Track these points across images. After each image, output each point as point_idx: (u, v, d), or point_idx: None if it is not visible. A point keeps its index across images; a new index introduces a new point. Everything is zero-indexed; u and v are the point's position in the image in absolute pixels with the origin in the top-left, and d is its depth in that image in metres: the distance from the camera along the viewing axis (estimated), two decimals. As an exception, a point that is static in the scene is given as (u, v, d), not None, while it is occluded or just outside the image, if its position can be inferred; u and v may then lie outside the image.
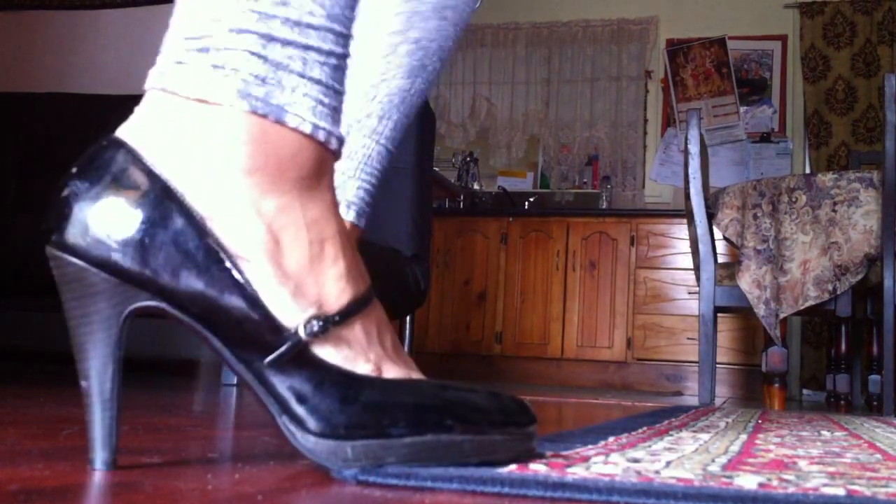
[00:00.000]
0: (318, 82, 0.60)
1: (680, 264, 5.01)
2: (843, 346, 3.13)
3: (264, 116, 0.57)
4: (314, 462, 0.59)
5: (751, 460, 0.80)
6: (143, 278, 0.57)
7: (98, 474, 0.57)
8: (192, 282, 0.57)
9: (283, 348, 0.58)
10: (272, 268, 0.58)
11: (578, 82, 5.90)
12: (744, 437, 1.13)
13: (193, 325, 0.59)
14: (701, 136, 3.12)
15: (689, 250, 4.76)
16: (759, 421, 1.62)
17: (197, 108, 0.57)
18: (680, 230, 5.01)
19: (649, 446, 0.89)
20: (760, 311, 2.87)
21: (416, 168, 2.93)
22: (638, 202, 5.67)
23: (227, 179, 0.57)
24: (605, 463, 0.69)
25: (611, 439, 0.95)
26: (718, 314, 3.25)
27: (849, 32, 5.43)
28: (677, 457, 0.78)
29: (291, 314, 0.58)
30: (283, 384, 0.59)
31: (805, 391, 5.15)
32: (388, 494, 0.55)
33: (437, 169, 4.51)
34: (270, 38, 0.58)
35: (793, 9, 5.58)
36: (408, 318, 3.75)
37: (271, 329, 0.58)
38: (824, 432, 1.35)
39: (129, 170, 0.58)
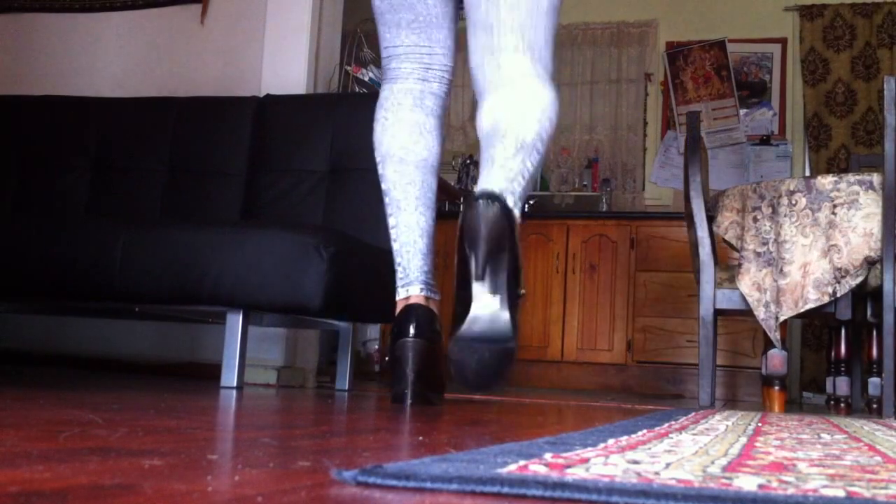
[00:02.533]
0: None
1: (680, 267, 5.01)
2: (843, 349, 3.13)
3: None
4: (313, 463, 0.59)
5: (751, 462, 0.80)
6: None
7: (97, 477, 0.57)
8: None
9: None
10: None
11: (578, 85, 5.90)
12: (744, 439, 1.13)
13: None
14: (700, 138, 3.12)
15: (688, 253, 4.76)
16: (759, 424, 1.62)
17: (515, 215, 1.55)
18: (680, 233, 5.01)
19: (649, 448, 0.89)
20: (760, 313, 2.87)
21: (415, 171, 2.93)
22: (638, 205, 5.67)
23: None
24: (604, 464, 0.69)
25: (611, 441, 0.95)
26: (718, 317, 3.25)
27: (848, 35, 5.43)
28: (677, 459, 0.78)
29: None
30: None
31: (805, 394, 5.15)
32: (387, 495, 0.55)
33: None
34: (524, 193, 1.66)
35: (792, 12, 5.59)
36: (408, 320, 3.74)
37: None
38: (824, 435, 1.35)
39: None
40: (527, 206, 5.60)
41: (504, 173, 1.62)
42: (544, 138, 1.73)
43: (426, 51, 1.97)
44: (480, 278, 1.47)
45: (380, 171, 1.96)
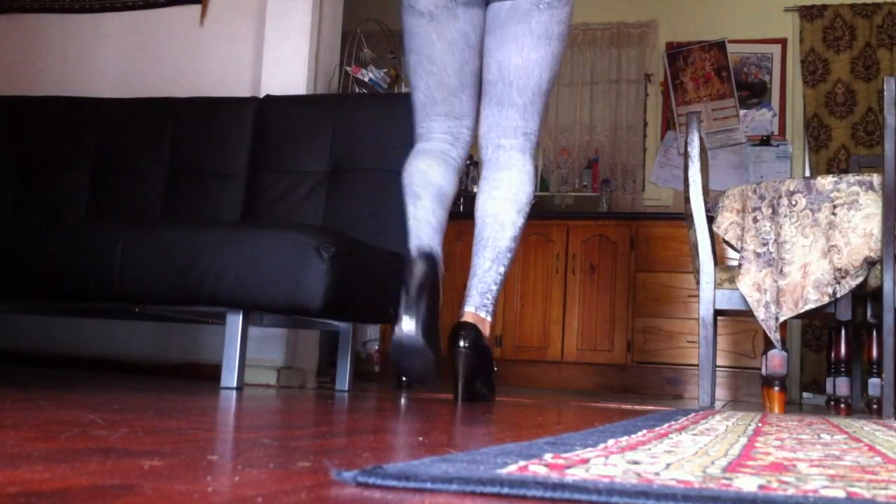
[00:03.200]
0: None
1: (680, 267, 5.01)
2: (843, 350, 3.12)
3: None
4: (313, 464, 0.59)
5: (751, 463, 0.80)
6: None
7: (97, 477, 0.57)
8: None
9: None
10: None
11: (578, 85, 5.90)
12: (744, 440, 1.13)
13: None
14: (700, 139, 3.12)
15: (688, 253, 4.76)
16: (760, 424, 1.62)
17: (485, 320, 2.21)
18: (679, 233, 5.01)
19: (649, 449, 0.89)
20: (760, 314, 2.87)
21: (415, 171, 2.94)
22: (637, 205, 5.67)
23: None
24: (604, 465, 0.69)
25: (611, 442, 0.95)
26: (718, 317, 3.25)
27: (848, 36, 5.43)
28: (677, 459, 0.78)
29: None
30: None
31: (805, 394, 5.15)
32: (387, 496, 0.55)
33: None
34: (496, 295, 2.26)
35: (792, 12, 5.59)
36: (408, 321, 3.74)
37: None
38: (824, 435, 1.35)
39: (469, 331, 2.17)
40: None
41: (480, 288, 2.24)
42: (517, 234, 2.30)
43: (454, 124, 2.38)
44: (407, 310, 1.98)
45: (406, 198, 2.29)
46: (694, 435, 1.16)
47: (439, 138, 2.37)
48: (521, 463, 0.66)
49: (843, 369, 3.12)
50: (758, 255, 2.91)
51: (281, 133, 3.11)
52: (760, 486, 0.59)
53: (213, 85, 3.49)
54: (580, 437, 1.03)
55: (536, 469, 0.63)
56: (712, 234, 3.09)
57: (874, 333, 3.01)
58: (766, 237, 2.91)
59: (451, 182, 2.33)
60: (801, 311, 2.79)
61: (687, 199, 3.13)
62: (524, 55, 2.27)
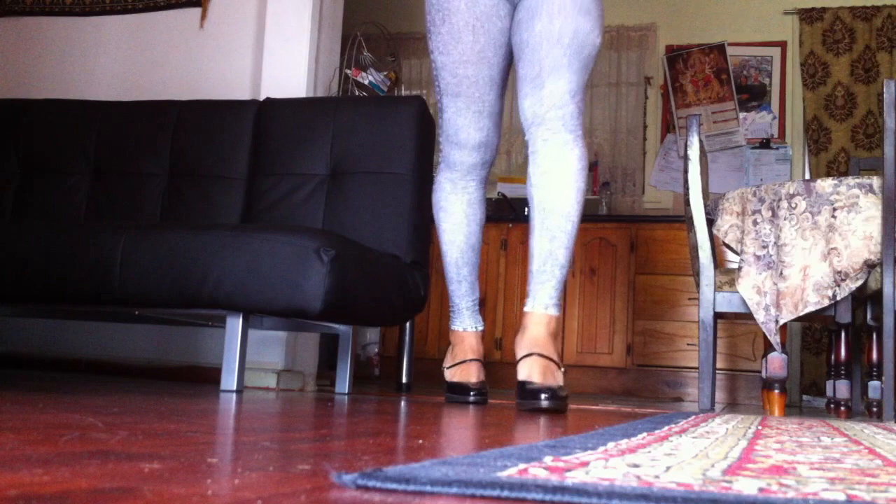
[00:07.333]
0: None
1: (680, 270, 5.01)
2: (843, 352, 3.12)
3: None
4: (313, 467, 0.59)
5: (751, 465, 0.80)
6: None
7: (96, 480, 0.57)
8: None
9: None
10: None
11: (578, 88, 5.90)
12: (744, 442, 1.13)
13: None
14: (700, 141, 3.12)
15: (688, 256, 4.76)
16: (760, 427, 1.62)
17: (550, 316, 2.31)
18: (679, 236, 5.01)
19: (649, 452, 0.89)
20: (760, 317, 2.87)
21: (415, 174, 2.94)
22: (637, 208, 5.67)
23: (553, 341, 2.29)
24: (604, 468, 0.69)
25: (611, 445, 0.95)
26: (718, 320, 3.25)
27: (848, 39, 5.44)
28: (677, 462, 0.78)
29: None
30: None
31: (805, 397, 5.15)
32: (387, 499, 0.55)
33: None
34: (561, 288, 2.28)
35: (792, 15, 5.59)
36: (407, 324, 3.75)
37: None
38: (824, 438, 1.35)
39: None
40: (527, 209, 5.60)
41: (545, 292, 2.30)
42: (571, 234, 2.26)
43: (485, 151, 2.53)
44: None
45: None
46: (694, 438, 1.16)
47: (470, 173, 2.69)
48: (521, 466, 0.66)
49: (842, 372, 3.12)
50: (758, 257, 2.91)
51: (281, 136, 3.11)
52: (760, 489, 0.59)
53: (212, 88, 3.49)
54: (580, 439, 1.03)
55: (536, 472, 0.63)
56: (712, 237, 3.09)
57: (874, 336, 3.01)
58: (766, 240, 2.91)
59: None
60: (801, 313, 2.79)
61: (687, 202, 3.13)
62: None
